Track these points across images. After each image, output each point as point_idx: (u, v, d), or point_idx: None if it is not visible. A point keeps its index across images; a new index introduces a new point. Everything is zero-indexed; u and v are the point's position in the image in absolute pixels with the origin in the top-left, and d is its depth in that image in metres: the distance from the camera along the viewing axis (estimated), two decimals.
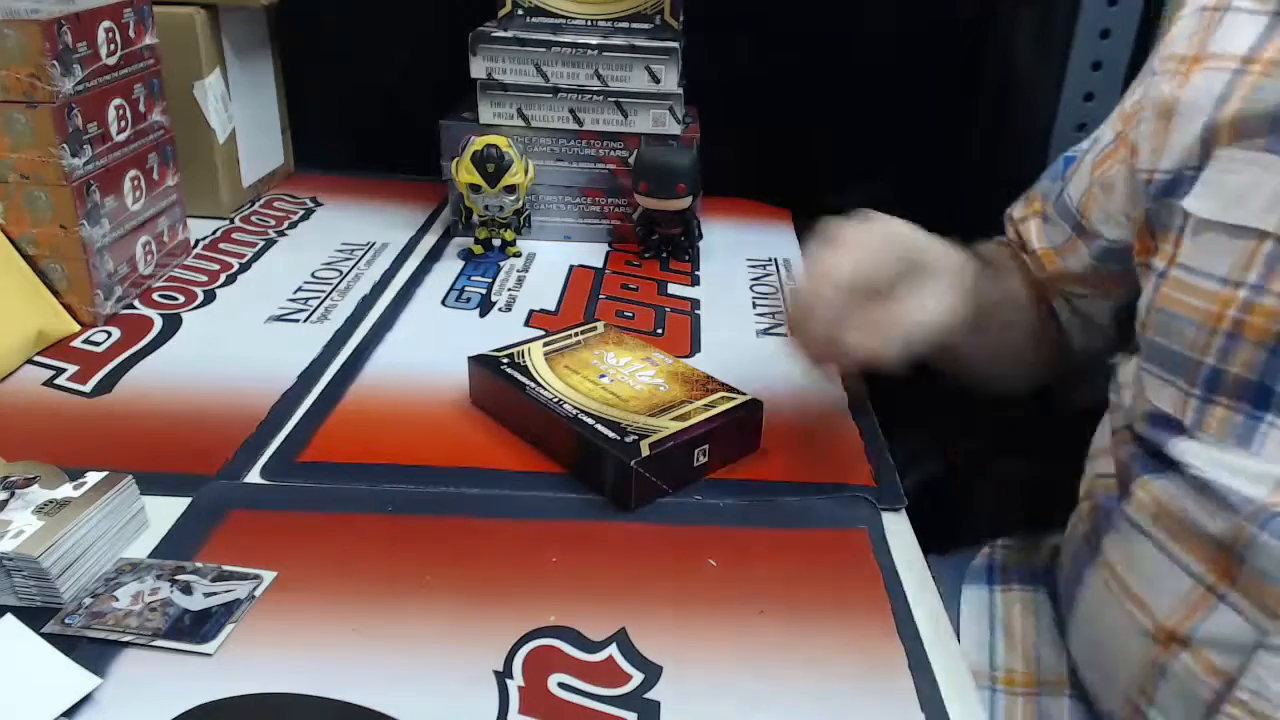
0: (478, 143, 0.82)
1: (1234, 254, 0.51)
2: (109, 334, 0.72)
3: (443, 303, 0.80)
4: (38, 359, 0.68)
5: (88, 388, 0.65)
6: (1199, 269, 0.53)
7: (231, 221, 0.94)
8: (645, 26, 0.88)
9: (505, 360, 0.63)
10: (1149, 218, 0.57)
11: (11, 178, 0.67)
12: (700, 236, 0.92)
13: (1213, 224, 0.53)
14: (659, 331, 0.76)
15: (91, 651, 0.43)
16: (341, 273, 0.84)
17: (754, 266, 0.89)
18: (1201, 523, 0.50)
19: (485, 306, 0.79)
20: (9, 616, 0.44)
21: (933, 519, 0.58)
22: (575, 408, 0.57)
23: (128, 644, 0.43)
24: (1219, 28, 0.54)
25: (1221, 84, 0.54)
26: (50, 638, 0.43)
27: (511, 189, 0.83)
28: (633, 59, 0.85)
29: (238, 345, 0.71)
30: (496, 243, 0.88)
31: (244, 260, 0.86)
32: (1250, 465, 0.49)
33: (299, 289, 0.81)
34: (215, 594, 0.46)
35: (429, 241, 0.92)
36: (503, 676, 0.42)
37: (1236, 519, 0.49)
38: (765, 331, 0.77)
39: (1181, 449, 0.52)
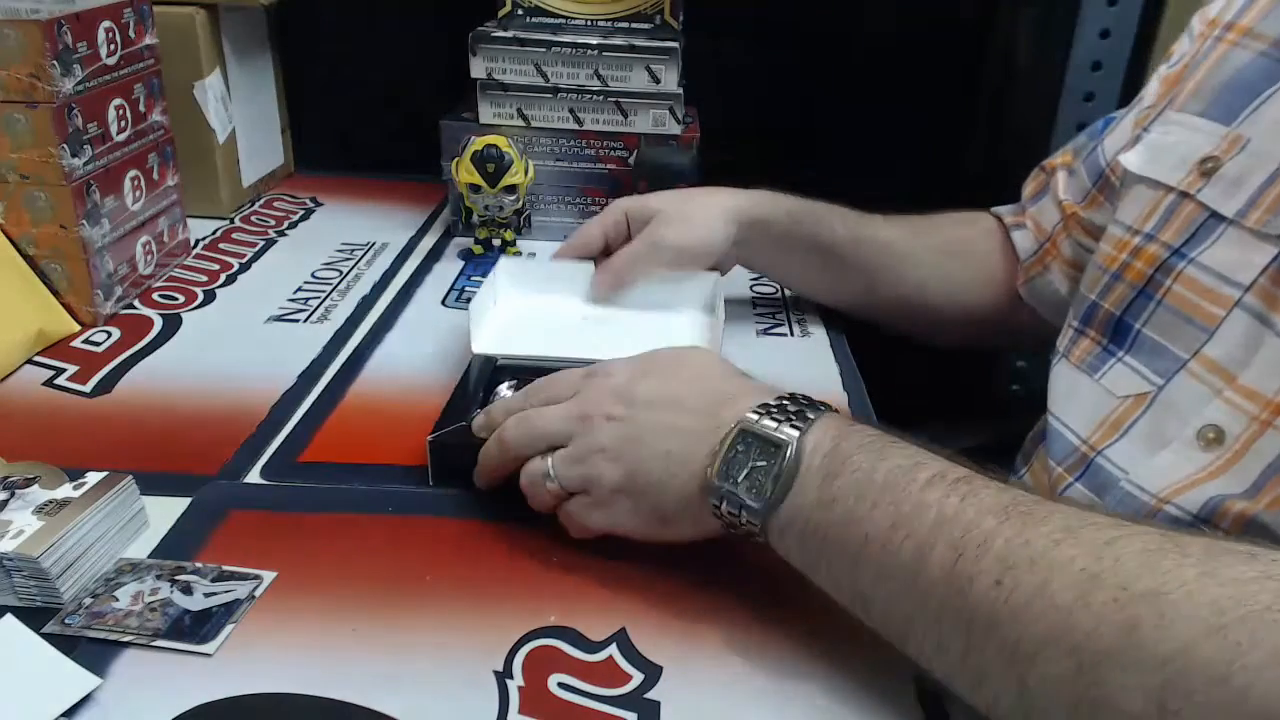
0: (478, 143, 0.82)
1: (1144, 205, 0.55)
2: (109, 334, 0.71)
3: (443, 303, 0.80)
4: (38, 359, 0.68)
5: (88, 388, 0.65)
6: (1120, 220, 0.58)
7: (231, 221, 0.94)
8: (645, 26, 0.88)
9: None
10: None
11: (11, 178, 0.67)
12: None
13: (1139, 178, 0.57)
14: None
15: (91, 651, 0.43)
16: (341, 273, 0.84)
17: None
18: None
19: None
20: (9, 616, 0.44)
21: None
22: None
23: (128, 644, 0.43)
24: None
25: (1203, 51, 0.57)
26: (50, 638, 0.43)
27: (511, 189, 0.83)
28: (633, 59, 0.85)
29: (238, 345, 0.71)
30: (496, 243, 0.88)
31: (244, 260, 0.86)
32: (1087, 402, 0.55)
33: (299, 289, 0.81)
34: (215, 594, 0.46)
35: (429, 241, 0.92)
36: (503, 676, 0.42)
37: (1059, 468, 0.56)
38: (765, 332, 0.77)
39: (1053, 373, 0.59)
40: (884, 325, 0.78)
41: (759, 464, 0.43)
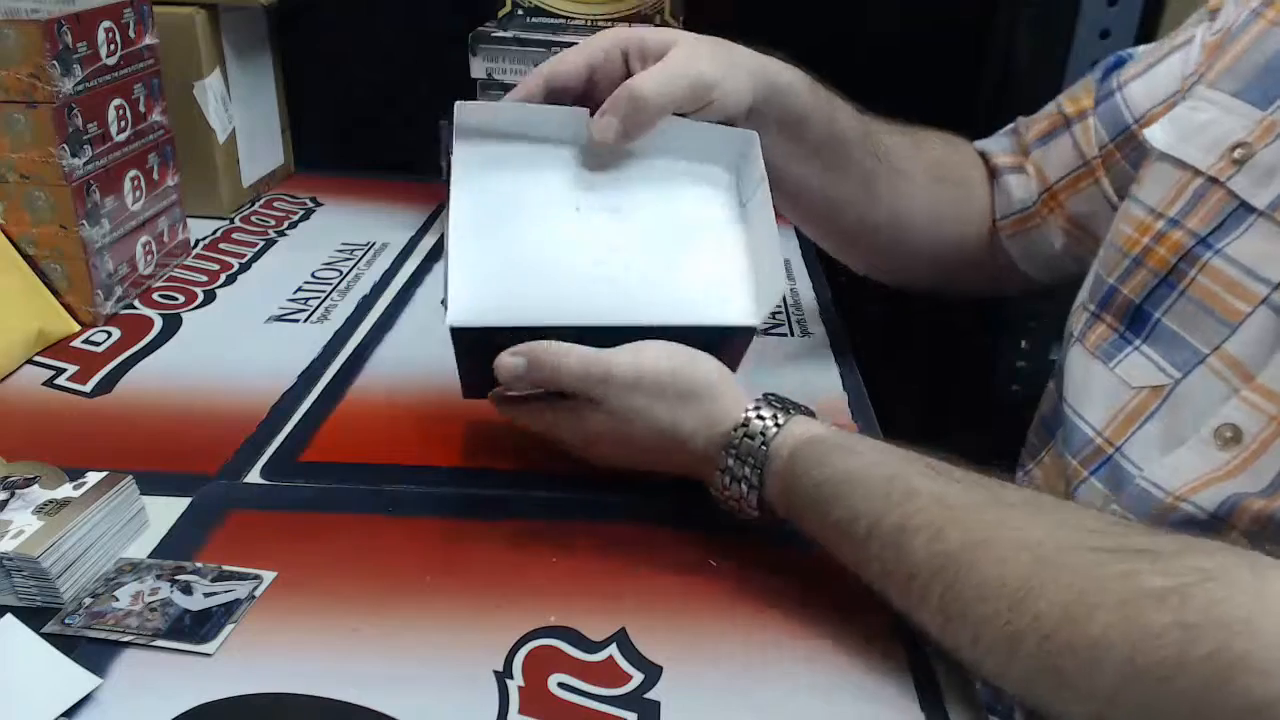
0: None
1: (1169, 186, 0.53)
2: (109, 334, 0.71)
3: (443, 303, 0.80)
4: (38, 359, 0.68)
5: (88, 388, 0.65)
6: (1140, 198, 0.55)
7: (231, 221, 0.94)
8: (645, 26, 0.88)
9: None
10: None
11: (11, 178, 0.67)
12: None
13: (1166, 156, 0.54)
14: None
15: (91, 651, 0.43)
16: (341, 273, 0.84)
17: None
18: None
19: None
20: (9, 616, 0.44)
21: None
22: None
23: (128, 644, 0.43)
24: None
25: (1240, 23, 0.55)
26: (50, 638, 0.43)
27: None
28: None
29: (238, 345, 0.71)
30: None
31: (244, 260, 0.86)
32: (1101, 391, 0.54)
33: (299, 289, 0.81)
34: (215, 594, 0.46)
35: (429, 241, 0.92)
36: (503, 676, 0.42)
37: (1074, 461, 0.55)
38: (765, 331, 0.77)
39: (1068, 359, 0.57)
40: (857, 255, 0.72)
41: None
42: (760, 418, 0.48)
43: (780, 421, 0.48)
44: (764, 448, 0.47)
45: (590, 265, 0.53)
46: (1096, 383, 0.55)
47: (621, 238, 0.54)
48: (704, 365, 0.51)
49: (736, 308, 0.53)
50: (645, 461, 0.53)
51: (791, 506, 0.47)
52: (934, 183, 0.68)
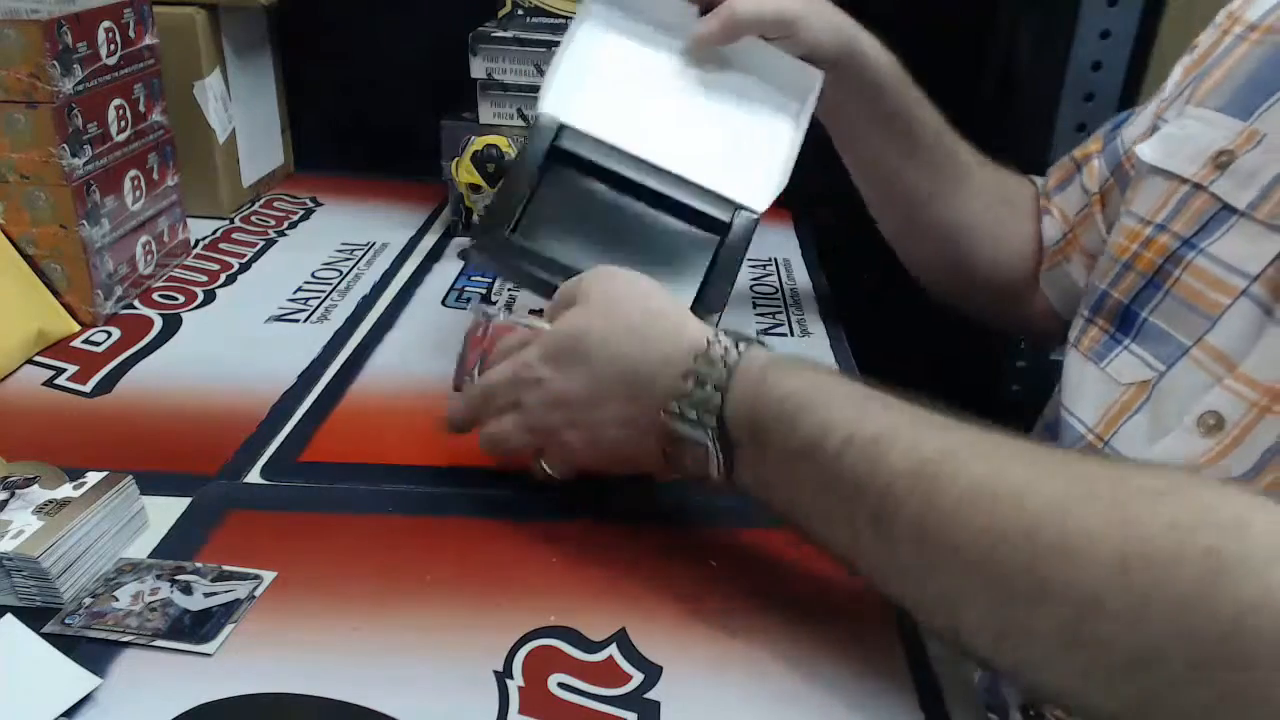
0: (478, 143, 0.82)
1: (1157, 197, 0.56)
2: (109, 334, 0.71)
3: (443, 303, 0.80)
4: (38, 359, 0.68)
5: (88, 388, 0.65)
6: (1132, 210, 0.58)
7: (231, 221, 0.94)
8: None
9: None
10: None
11: (11, 178, 0.67)
12: None
13: (1154, 169, 0.57)
14: None
15: (91, 651, 0.43)
16: (341, 273, 0.84)
17: (754, 266, 0.89)
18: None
19: None
20: (9, 616, 0.44)
21: None
22: None
23: (128, 644, 0.43)
24: None
25: (1224, 48, 0.57)
26: (50, 638, 0.43)
27: None
28: None
29: (238, 345, 0.71)
30: None
31: (244, 260, 0.86)
32: (1094, 391, 0.55)
33: (299, 289, 0.81)
34: (215, 594, 0.46)
35: (429, 241, 0.92)
36: (503, 676, 0.42)
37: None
38: (766, 331, 0.77)
39: (1065, 363, 0.58)
40: (910, 245, 0.75)
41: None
42: (721, 344, 0.46)
43: (741, 348, 0.46)
44: (728, 366, 0.45)
45: (665, 119, 0.65)
46: (1089, 383, 0.56)
47: (696, 110, 0.65)
48: (660, 295, 0.51)
49: (753, 198, 0.64)
50: (609, 418, 0.49)
51: (756, 425, 0.44)
52: (999, 204, 0.73)
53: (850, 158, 0.74)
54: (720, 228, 0.63)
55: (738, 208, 0.64)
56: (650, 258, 0.62)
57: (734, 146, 0.65)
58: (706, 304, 0.62)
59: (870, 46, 0.66)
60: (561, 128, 0.62)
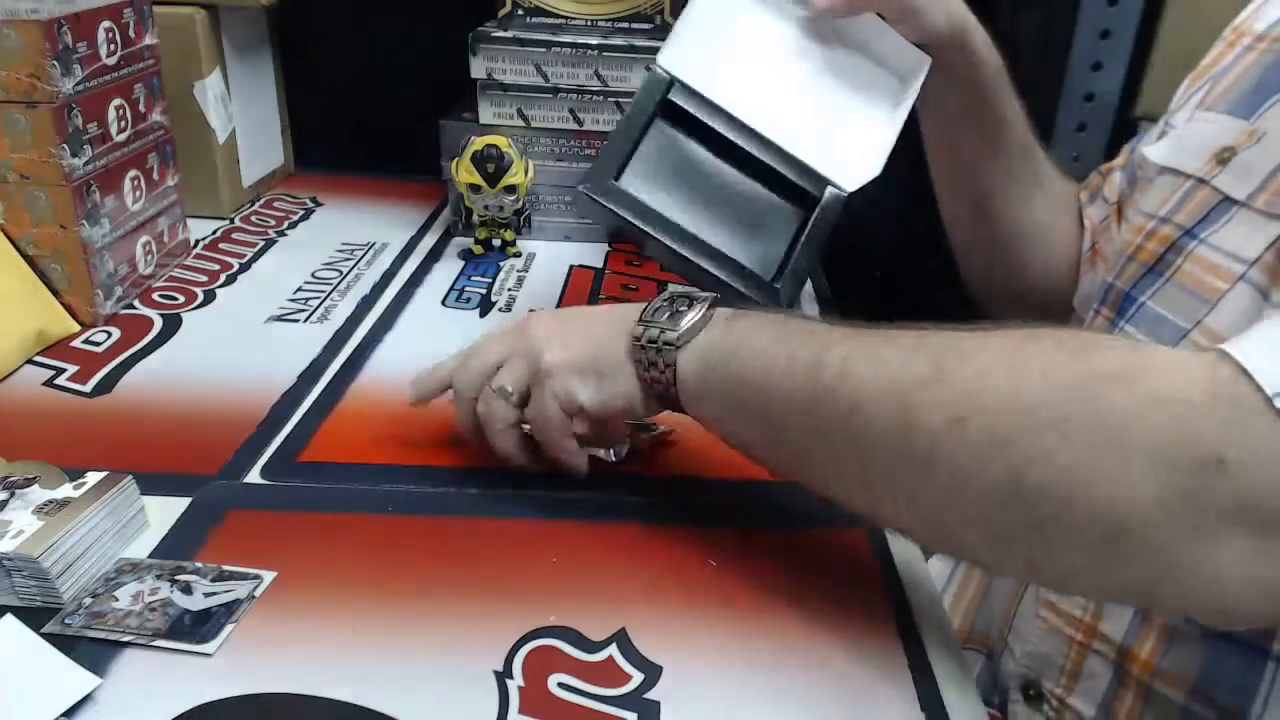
0: (478, 143, 0.82)
1: (1164, 194, 0.58)
2: (109, 334, 0.72)
3: (443, 303, 0.80)
4: (38, 359, 0.68)
5: (88, 388, 0.65)
6: (1140, 208, 0.60)
7: (231, 221, 0.94)
8: (645, 27, 0.88)
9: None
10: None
11: (11, 178, 0.67)
12: None
13: (1164, 169, 0.59)
14: None
15: (91, 651, 0.43)
16: (341, 273, 0.84)
17: None
18: None
19: (485, 307, 0.79)
20: (9, 616, 0.44)
21: None
22: None
23: (128, 644, 0.43)
24: (1267, 5, 0.60)
25: (1232, 58, 0.60)
26: (50, 638, 0.43)
27: (511, 189, 0.83)
28: (633, 59, 0.85)
29: (238, 345, 0.71)
30: (496, 243, 0.88)
31: (244, 260, 0.86)
32: None
33: (299, 289, 0.81)
34: (215, 594, 0.46)
35: (429, 241, 0.92)
36: (503, 676, 0.42)
37: None
38: None
39: None
40: (970, 253, 0.76)
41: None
42: (690, 295, 0.50)
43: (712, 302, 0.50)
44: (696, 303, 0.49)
45: (773, 88, 0.65)
46: None
47: (803, 83, 0.66)
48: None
49: (845, 176, 0.66)
50: (579, 329, 0.53)
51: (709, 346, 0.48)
52: (1061, 212, 0.74)
53: (934, 147, 0.74)
54: (810, 202, 0.65)
55: (828, 184, 0.65)
56: (739, 221, 0.65)
57: (835, 123, 0.66)
58: (788, 275, 0.64)
59: (982, 44, 0.67)
60: (673, 83, 0.63)
